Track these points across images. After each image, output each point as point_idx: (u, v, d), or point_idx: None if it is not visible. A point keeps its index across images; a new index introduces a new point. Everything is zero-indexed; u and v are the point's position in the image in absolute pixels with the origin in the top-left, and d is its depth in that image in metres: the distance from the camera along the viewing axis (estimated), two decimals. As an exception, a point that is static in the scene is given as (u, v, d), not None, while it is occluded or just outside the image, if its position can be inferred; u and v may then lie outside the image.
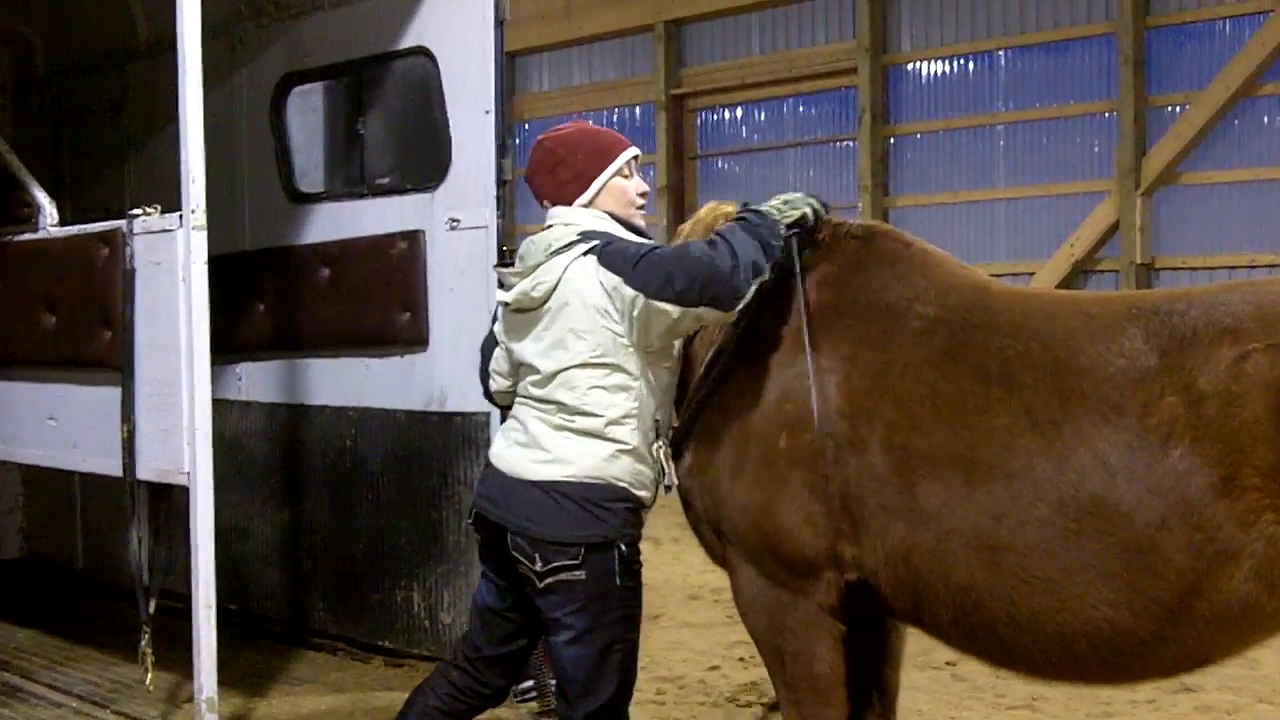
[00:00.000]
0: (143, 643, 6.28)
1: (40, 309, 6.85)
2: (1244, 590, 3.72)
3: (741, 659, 7.91)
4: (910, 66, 17.84)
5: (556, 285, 4.53)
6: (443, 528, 7.04)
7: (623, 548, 4.54)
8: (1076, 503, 3.83)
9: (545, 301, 4.56)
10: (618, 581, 4.55)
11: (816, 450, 4.22)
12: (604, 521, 4.53)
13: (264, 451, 8.07)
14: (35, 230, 7.07)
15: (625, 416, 4.53)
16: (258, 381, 8.07)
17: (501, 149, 6.74)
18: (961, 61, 17.35)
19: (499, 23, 6.71)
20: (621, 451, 4.55)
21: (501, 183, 6.73)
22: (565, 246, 4.56)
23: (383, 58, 7.45)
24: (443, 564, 7.04)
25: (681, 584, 10.27)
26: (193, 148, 5.72)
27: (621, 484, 4.56)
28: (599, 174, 4.72)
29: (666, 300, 4.38)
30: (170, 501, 6.45)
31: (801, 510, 4.24)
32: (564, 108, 21.58)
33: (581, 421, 4.54)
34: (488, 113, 6.76)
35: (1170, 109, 15.67)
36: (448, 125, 6.99)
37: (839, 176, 18.66)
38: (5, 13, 9.25)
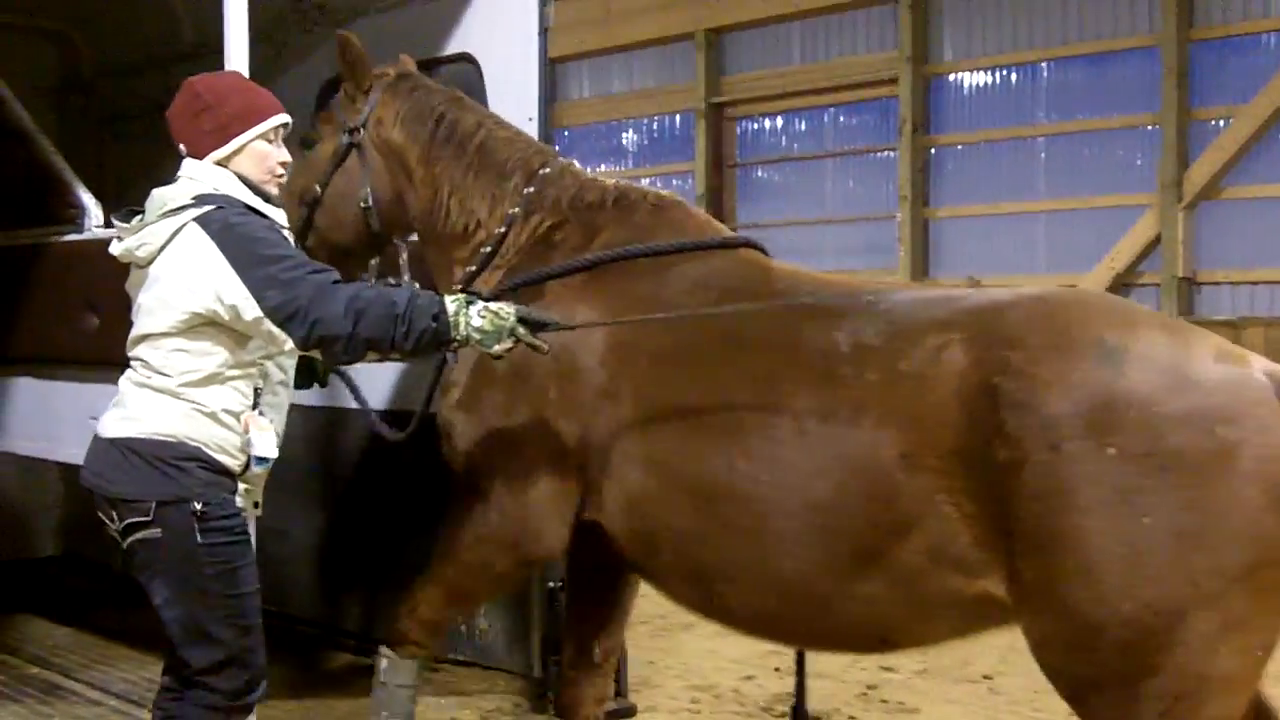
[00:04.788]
0: (179, 643, 6.30)
1: (83, 309, 6.87)
2: (917, 564, 3.91)
3: (776, 668, 7.89)
4: (951, 77, 17.83)
5: (161, 250, 4.42)
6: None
7: (197, 506, 4.39)
8: (772, 459, 4.09)
9: (150, 263, 4.46)
10: (199, 540, 4.41)
11: (581, 401, 4.51)
12: (174, 480, 4.40)
13: (300, 454, 8.04)
14: (79, 231, 7.11)
15: (206, 380, 4.43)
16: (294, 384, 8.08)
17: (543, 156, 6.74)
18: (1003, 72, 17.33)
19: (543, 30, 6.73)
20: (198, 412, 4.43)
21: (543, 189, 6.72)
22: (177, 209, 4.42)
23: (427, 64, 7.45)
24: (479, 569, 7.03)
25: (716, 593, 10.24)
26: (237, 150, 5.73)
27: (194, 443, 4.43)
28: (243, 132, 4.55)
29: (291, 334, 4.29)
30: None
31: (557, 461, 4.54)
32: (604, 115, 21.66)
33: (159, 380, 4.44)
34: (530, 120, 6.76)
35: (1213, 122, 15.63)
36: (490, 132, 6.99)
37: (878, 187, 18.67)
38: (51, 14, 9.31)
